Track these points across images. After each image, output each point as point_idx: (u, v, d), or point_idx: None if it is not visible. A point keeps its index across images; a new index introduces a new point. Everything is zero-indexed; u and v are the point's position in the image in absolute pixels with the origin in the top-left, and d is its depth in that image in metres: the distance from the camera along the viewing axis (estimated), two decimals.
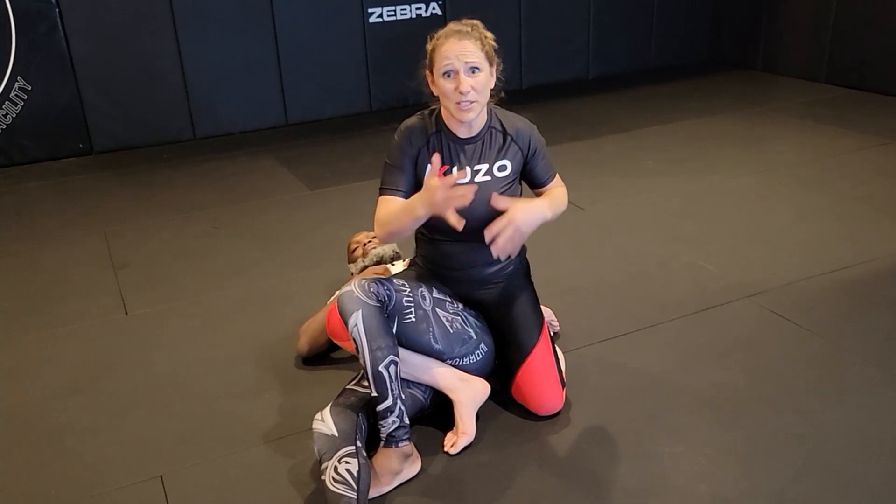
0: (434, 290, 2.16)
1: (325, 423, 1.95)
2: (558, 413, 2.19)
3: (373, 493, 1.90)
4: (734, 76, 6.49)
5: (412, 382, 2.11)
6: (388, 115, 5.74)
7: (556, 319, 2.62)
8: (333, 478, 1.83)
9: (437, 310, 2.11)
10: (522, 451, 2.07)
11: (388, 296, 2.00)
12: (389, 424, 1.95)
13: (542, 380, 2.17)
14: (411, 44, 5.81)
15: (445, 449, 2.08)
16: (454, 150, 2.13)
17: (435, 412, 2.17)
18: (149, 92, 5.24)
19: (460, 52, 1.99)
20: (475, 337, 2.16)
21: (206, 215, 4.01)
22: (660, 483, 1.92)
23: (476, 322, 2.20)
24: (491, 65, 2.06)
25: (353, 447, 1.89)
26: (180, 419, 2.31)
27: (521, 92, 6.33)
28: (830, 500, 1.83)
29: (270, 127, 5.65)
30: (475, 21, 2.10)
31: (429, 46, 2.07)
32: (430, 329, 2.08)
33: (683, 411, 2.20)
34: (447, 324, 2.11)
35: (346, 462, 1.85)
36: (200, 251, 3.57)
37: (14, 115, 4.94)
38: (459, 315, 2.16)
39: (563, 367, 2.30)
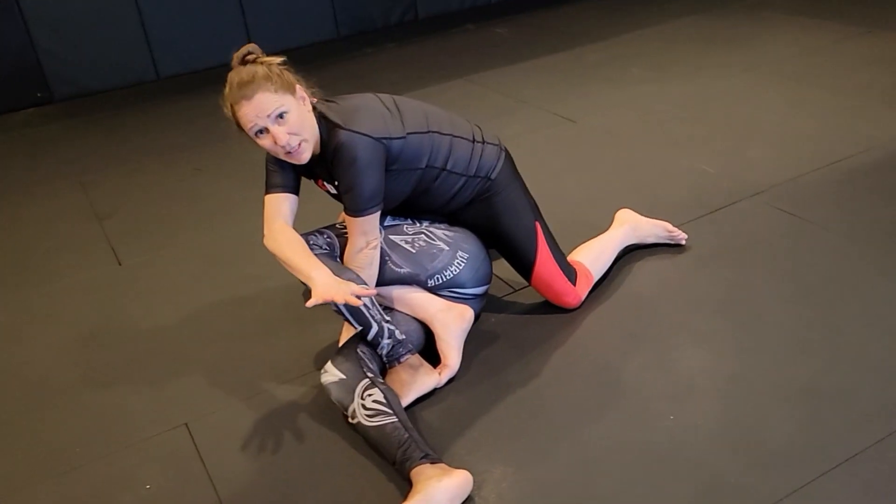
0: (388, 218, 2.13)
1: (330, 372, 1.91)
2: (577, 308, 2.26)
3: None
4: None
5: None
6: (357, 41, 5.54)
7: (676, 230, 2.53)
8: (366, 415, 1.79)
9: (390, 237, 2.08)
10: (537, 367, 2.07)
11: (328, 243, 2.01)
12: (385, 347, 1.96)
13: (551, 287, 2.23)
14: None
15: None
16: (309, 170, 2.06)
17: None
18: (106, 33, 4.98)
19: (258, 110, 1.86)
20: (447, 248, 2.12)
21: (185, 157, 3.87)
22: (687, 387, 1.93)
23: (446, 233, 2.15)
24: (293, 92, 1.91)
25: (367, 379, 1.86)
26: (195, 365, 2.26)
27: (492, 6, 6.13)
28: (863, 390, 1.85)
29: None
30: (253, 56, 1.91)
31: (227, 112, 1.92)
32: (387, 258, 2.05)
33: (707, 315, 2.20)
34: (406, 245, 2.09)
35: (369, 395, 1.82)
36: (185, 194, 3.45)
37: None
38: (423, 232, 2.13)
39: (595, 269, 2.34)
